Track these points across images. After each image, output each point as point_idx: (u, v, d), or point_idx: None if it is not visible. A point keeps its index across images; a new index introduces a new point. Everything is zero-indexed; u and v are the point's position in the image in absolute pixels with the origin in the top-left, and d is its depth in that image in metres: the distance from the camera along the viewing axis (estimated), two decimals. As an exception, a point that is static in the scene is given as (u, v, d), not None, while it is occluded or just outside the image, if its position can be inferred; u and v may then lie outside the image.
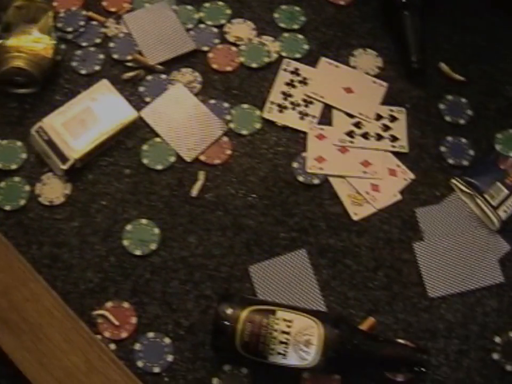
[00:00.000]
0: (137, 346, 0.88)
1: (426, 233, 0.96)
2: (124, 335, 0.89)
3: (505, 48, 1.11)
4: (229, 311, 0.83)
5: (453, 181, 0.99)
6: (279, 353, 0.82)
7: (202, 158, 0.99)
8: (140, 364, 0.87)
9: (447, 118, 1.04)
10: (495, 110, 1.06)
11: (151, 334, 0.88)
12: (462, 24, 1.13)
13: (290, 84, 1.04)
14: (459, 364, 0.90)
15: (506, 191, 0.98)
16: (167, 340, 0.88)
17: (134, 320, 0.89)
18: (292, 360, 0.82)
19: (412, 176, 1.00)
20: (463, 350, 0.90)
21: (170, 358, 0.88)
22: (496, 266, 0.95)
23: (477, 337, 0.91)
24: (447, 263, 0.94)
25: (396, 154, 1.01)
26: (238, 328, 0.82)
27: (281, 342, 0.82)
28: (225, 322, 0.83)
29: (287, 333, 0.82)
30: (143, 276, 0.92)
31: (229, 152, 1.00)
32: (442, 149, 1.02)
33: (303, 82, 1.04)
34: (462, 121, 1.04)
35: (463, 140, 1.03)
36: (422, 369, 0.84)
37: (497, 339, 0.91)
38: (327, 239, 0.95)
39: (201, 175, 0.98)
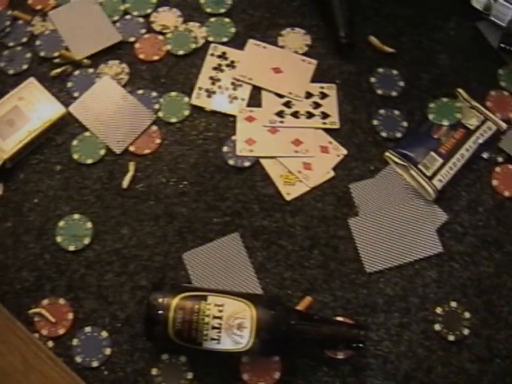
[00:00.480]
0: (74, 342, 0.87)
1: (361, 208, 0.95)
2: (61, 331, 0.88)
3: (436, 18, 1.09)
4: (160, 300, 0.82)
5: (387, 153, 0.98)
6: (213, 339, 0.82)
7: (132, 148, 0.98)
8: (78, 359, 0.86)
9: (379, 91, 1.03)
10: (427, 80, 1.04)
11: (88, 329, 0.88)
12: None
13: (218, 68, 1.03)
14: (400, 337, 0.89)
15: (440, 160, 0.96)
16: (104, 334, 0.88)
17: (70, 316, 0.89)
18: (226, 344, 0.82)
19: (344, 152, 0.99)
20: (404, 323, 0.89)
21: (108, 351, 0.87)
22: (434, 236, 0.94)
23: (418, 309, 0.90)
24: (383, 237, 0.93)
25: (328, 131, 1.00)
26: (169, 316, 0.81)
27: (214, 327, 0.81)
28: (157, 312, 0.82)
29: (219, 318, 0.81)
30: (78, 271, 0.92)
31: (158, 141, 0.99)
32: (375, 122, 1.01)
33: (231, 65, 1.03)
34: (394, 93, 1.03)
35: (396, 112, 1.02)
36: (360, 344, 0.84)
37: (439, 310, 0.90)
38: (261, 221, 0.94)
39: (131, 166, 0.97)
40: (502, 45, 1.04)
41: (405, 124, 1.00)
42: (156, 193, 0.96)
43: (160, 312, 0.81)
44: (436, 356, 0.88)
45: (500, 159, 0.99)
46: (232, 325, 0.81)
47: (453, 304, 0.90)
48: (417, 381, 0.86)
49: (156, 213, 0.95)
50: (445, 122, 0.99)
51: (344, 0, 1.05)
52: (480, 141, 0.98)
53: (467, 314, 0.89)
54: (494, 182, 0.98)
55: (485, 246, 0.94)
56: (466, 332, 0.89)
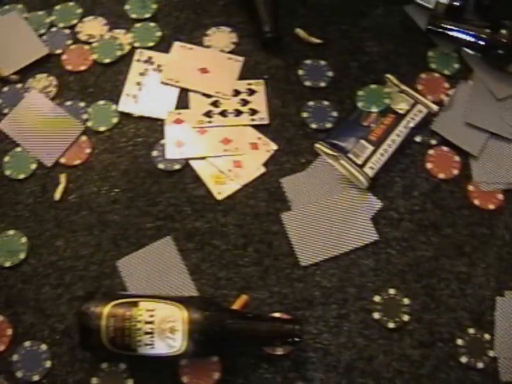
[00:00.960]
0: (15, 357, 0.87)
1: (293, 202, 0.95)
2: (1, 348, 0.88)
3: (363, 5, 1.09)
4: (92, 309, 0.82)
5: (317, 145, 0.98)
6: (147, 344, 0.81)
7: (62, 160, 0.98)
8: (19, 374, 0.86)
9: (307, 83, 1.02)
10: (356, 68, 1.04)
11: (27, 343, 0.88)
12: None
13: (145, 74, 1.03)
14: (340, 328, 0.88)
15: (370, 147, 0.96)
16: (43, 347, 0.88)
17: (10, 331, 0.89)
18: (161, 349, 0.81)
19: (274, 147, 0.98)
20: (342, 314, 0.89)
21: (48, 364, 0.87)
22: (369, 224, 0.93)
23: (356, 299, 0.90)
24: (317, 229, 0.93)
25: (257, 127, 0.99)
26: (102, 325, 0.81)
27: (147, 333, 0.81)
28: (89, 321, 0.81)
29: (151, 323, 0.81)
30: (15, 286, 0.92)
31: (88, 151, 0.99)
32: (304, 114, 1.00)
33: (158, 69, 1.03)
34: (322, 84, 1.02)
35: (325, 103, 1.01)
36: (296, 339, 0.83)
37: (377, 298, 0.89)
38: (193, 222, 0.94)
39: (63, 178, 0.97)
40: (430, 27, 1.03)
41: (335, 113, 1.00)
42: (89, 203, 0.96)
43: (93, 321, 0.81)
44: (377, 344, 0.87)
45: (433, 142, 0.99)
46: (164, 328, 0.81)
47: (391, 291, 0.90)
48: (359, 371, 0.86)
49: (89, 223, 0.95)
50: (374, 109, 0.99)
51: (267, -5, 1.06)
52: (411, 124, 0.98)
53: (406, 301, 0.89)
54: (428, 165, 0.97)
55: (421, 230, 0.94)
56: (406, 318, 0.88)
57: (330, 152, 0.96)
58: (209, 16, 1.08)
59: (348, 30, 1.06)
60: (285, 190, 0.95)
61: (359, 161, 0.94)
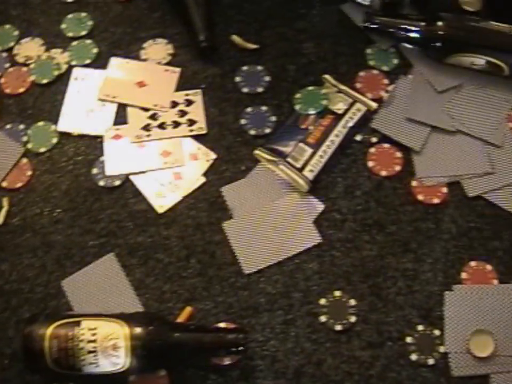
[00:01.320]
0: (-37, 385, 0.90)
1: (235, 211, 0.94)
2: (-50, 375, 0.90)
3: (299, 7, 1.08)
4: (35, 331, 0.82)
5: (256, 151, 0.97)
6: (91, 363, 0.81)
7: (4, 184, 0.98)
8: (-31, 403, 0.89)
9: (244, 90, 1.02)
10: (294, 71, 1.03)
11: (-24, 371, 0.90)
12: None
13: (82, 91, 1.02)
14: (286, 334, 0.88)
15: (309, 150, 0.95)
16: (-8, 372, 0.90)
17: (-42, 359, 0.91)
18: (105, 367, 0.81)
19: (213, 156, 0.98)
20: (288, 319, 0.88)
21: (-2, 389, 0.89)
22: (311, 228, 0.92)
23: (301, 303, 0.89)
24: (259, 236, 0.92)
25: (196, 137, 0.99)
26: (45, 346, 0.81)
27: (90, 352, 0.81)
28: (33, 344, 0.81)
29: (94, 341, 0.81)
30: (-38, 313, 0.94)
31: (29, 173, 0.99)
32: (243, 121, 1.00)
33: (95, 86, 1.03)
34: (260, 90, 1.02)
35: (263, 108, 1.00)
36: (240, 348, 0.83)
37: (323, 301, 0.89)
38: (136, 237, 0.94)
39: (5, 202, 0.97)
40: (366, 24, 1.02)
41: (273, 118, 0.99)
42: (32, 225, 0.96)
43: (36, 343, 0.81)
44: (324, 348, 0.87)
45: (374, 139, 0.98)
46: (107, 346, 0.81)
47: (337, 293, 0.89)
48: (308, 376, 0.85)
49: (33, 245, 0.95)
50: (311, 111, 0.98)
51: (201, 3, 1.03)
52: (350, 124, 0.97)
53: (353, 302, 0.88)
54: (370, 163, 0.96)
55: (365, 229, 0.93)
56: (353, 319, 0.87)
57: (269, 157, 0.95)
58: (145, 29, 1.08)
59: (284, 32, 1.06)
60: (225, 199, 0.95)
61: (298, 165, 0.94)
